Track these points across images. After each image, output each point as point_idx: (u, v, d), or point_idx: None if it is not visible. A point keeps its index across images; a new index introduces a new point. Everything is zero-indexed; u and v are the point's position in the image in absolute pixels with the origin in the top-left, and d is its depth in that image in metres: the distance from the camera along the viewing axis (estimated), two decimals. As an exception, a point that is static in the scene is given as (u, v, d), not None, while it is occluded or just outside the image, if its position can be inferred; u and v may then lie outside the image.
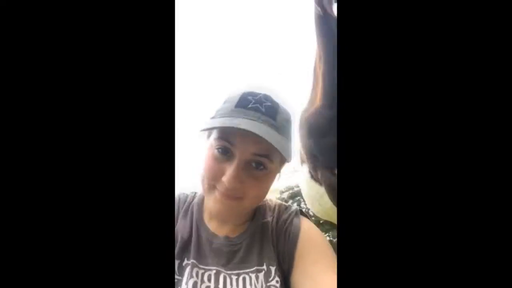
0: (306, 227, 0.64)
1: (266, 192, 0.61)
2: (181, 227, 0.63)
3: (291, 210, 0.67)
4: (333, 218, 1.62)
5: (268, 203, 0.69)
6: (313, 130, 1.22)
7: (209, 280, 0.57)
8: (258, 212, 0.66)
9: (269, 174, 0.59)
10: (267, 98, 0.59)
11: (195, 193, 0.72)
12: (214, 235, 0.62)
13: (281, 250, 0.60)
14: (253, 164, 0.56)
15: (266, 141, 0.52)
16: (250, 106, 0.56)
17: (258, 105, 0.56)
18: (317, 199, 1.49)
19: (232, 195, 0.56)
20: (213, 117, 0.58)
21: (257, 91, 0.60)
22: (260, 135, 0.51)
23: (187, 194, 0.71)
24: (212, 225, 0.64)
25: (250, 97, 0.57)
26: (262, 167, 0.57)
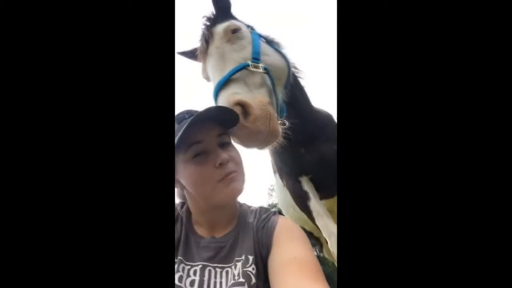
0: (283, 221, 0.74)
1: (242, 163, 0.74)
2: None
3: (271, 211, 0.78)
4: (305, 224, 1.77)
5: (250, 208, 0.81)
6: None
7: (194, 274, 0.65)
8: (241, 216, 0.77)
9: (234, 147, 0.75)
10: (194, 110, 0.74)
11: (182, 202, 0.83)
12: (201, 237, 0.73)
13: (260, 240, 0.69)
14: (223, 145, 0.71)
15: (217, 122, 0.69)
16: (187, 116, 0.71)
17: (191, 113, 0.72)
18: (292, 205, 1.65)
19: (229, 172, 0.68)
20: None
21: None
22: (204, 113, 0.66)
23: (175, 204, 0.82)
24: (199, 231, 0.75)
25: (181, 114, 0.73)
26: (227, 143, 0.72)
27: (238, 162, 0.71)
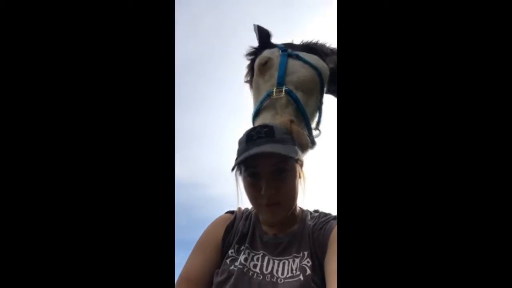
0: None
1: (295, 190, 0.79)
2: (241, 225, 0.86)
3: (331, 215, 0.84)
4: None
5: (311, 214, 0.87)
6: None
7: (257, 260, 0.77)
8: (302, 219, 0.85)
9: (290, 174, 0.78)
10: (263, 126, 0.81)
11: None
12: (265, 233, 0.83)
13: (316, 240, 0.76)
14: (277, 173, 0.75)
15: (275, 153, 0.74)
16: (254, 138, 0.78)
17: (259, 135, 0.78)
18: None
19: (272, 202, 0.75)
20: (236, 158, 0.79)
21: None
22: (265, 150, 0.72)
23: (248, 208, 0.94)
24: (265, 228, 0.85)
25: (252, 133, 0.79)
26: (283, 170, 0.76)
27: (285, 193, 0.77)
